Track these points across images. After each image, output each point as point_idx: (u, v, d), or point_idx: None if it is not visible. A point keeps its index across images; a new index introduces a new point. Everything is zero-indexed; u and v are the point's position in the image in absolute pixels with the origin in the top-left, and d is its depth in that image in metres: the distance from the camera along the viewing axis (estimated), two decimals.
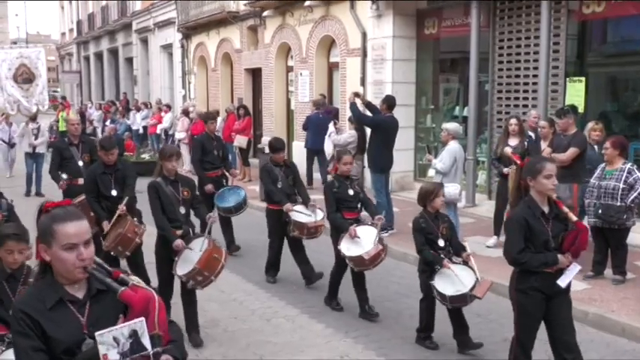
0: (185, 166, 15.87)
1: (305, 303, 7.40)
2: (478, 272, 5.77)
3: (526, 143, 8.97)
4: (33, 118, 15.89)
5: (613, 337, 6.37)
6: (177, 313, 6.15)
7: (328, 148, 14.29)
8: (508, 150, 8.43)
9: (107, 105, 27.12)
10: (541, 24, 10.58)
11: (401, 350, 6.10)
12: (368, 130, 10.87)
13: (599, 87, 11.18)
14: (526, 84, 11.40)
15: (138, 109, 23.82)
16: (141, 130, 22.80)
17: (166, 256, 6.24)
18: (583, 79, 10.44)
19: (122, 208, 7.00)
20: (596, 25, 11.15)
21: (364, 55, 14.61)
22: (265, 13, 18.25)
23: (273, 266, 8.34)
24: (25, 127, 15.58)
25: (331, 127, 13.73)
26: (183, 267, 6.09)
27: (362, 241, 6.67)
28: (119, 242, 6.82)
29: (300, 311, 7.15)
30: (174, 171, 6.40)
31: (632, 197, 7.28)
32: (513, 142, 8.99)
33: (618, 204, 7.30)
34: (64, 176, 8.95)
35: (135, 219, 7.03)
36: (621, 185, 7.30)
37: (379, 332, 6.53)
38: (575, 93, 10.34)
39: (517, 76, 11.59)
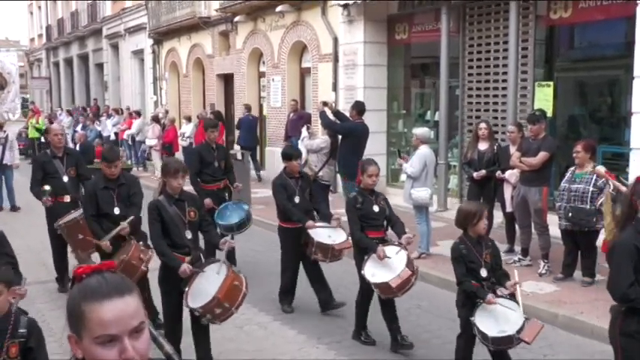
0: (157, 173, 15.78)
1: (278, 309, 7.35)
2: (522, 308, 5.01)
3: (495, 148, 9.06)
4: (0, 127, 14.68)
5: (583, 338, 6.43)
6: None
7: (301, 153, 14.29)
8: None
9: (77, 110, 26.83)
10: (509, 29, 10.68)
11: (373, 356, 6.10)
12: (340, 136, 10.89)
13: (568, 91, 11.32)
14: (495, 88, 11.49)
15: (109, 116, 23.60)
16: (112, 137, 22.59)
17: (173, 286, 5.35)
18: (551, 83, 10.56)
19: (124, 225, 6.24)
20: (563, 31, 11.30)
21: (336, 60, 14.64)
22: (237, 19, 18.21)
23: (289, 293, 7.34)
24: None
25: (304, 132, 13.72)
26: (196, 299, 5.19)
27: (389, 264, 5.90)
28: (122, 270, 5.69)
29: (272, 318, 7.12)
30: (180, 189, 5.50)
31: (601, 200, 7.36)
32: (483, 146, 9.06)
33: (588, 207, 7.38)
34: (47, 188, 7.68)
35: (140, 242, 6.24)
36: (591, 188, 7.38)
37: (351, 340, 6.50)
38: (544, 97, 10.45)
39: (487, 81, 11.68)
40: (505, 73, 11.03)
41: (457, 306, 5.29)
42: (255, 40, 17.87)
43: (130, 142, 20.69)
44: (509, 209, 8.83)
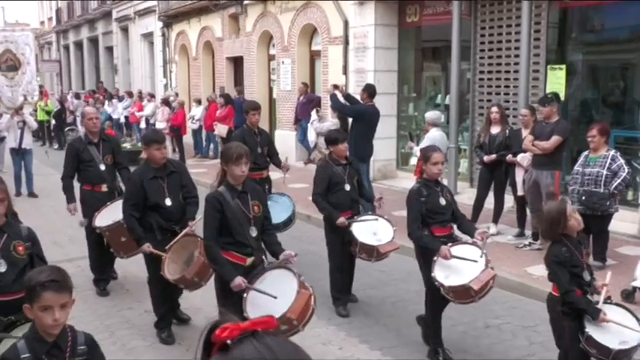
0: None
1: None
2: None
3: (507, 131, 9.01)
4: (17, 110, 14.38)
5: None
6: None
7: (311, 136, 14.31)
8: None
9: (88, 94, 26.86)
10: (522, 12, 10.57)
11: (382, 337, 6.11)
12: (350, 119, 10.87)
13: (580, 75, 11.24)
14: (507, 72, 11.42)
15: (120, 99, 23.61)
16: (122, 120, 22.61)
17: (230, 290, 4.68)
18: (564, 66, 10.48)
19: (192, 227, 5.68)
20: (576, 13, 11.19)
21: (346, 43, 14.56)
22: (247, 1, 18.12)
23: (342, 293, 6.63)
24: (10, 120, 13.97)
25: (314, 115, 13.73)
26: (257, 310, 4.46)
27: (461, 266, 5.16)
28: (197, 273, 5.35)
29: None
30: (244, 178, 4.82)
31: (615, 184, 7.33)
32: (495, 130, 9.03)
33: (602, 191, 7.34)
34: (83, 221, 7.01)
35: (200, 239, 5.40)
36: (605, 172, 7.35)
37: (362, 320, 6.51)
38: (556, 81, 10.37)
39: (498, 64, 11.61)
40: (517, 56, 10.94)
41: (561, 313, 4.47)
42: (265, 22, 17.79)
43: (144, 124, 20.70)
44: (520, 193, 8.79)
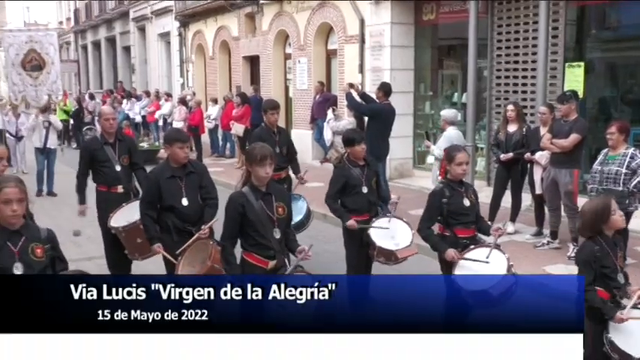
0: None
1: None
2: None
3: (524, 130, 8.95)
4: (43, 110, 14.46)
5: None
6: None
7: (327, 135, 14.31)
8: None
9: (105, 94, 27.02)
10: (540, 9, 10.51)
11: None
12: (366, 118, 10.85)
13: (599, 72, 11.14)
14: (525, 70, 11.36)
15: (137, 98, 23.72)
16: (138, 119, 22.71)
17: None
18: (582, 64, 10.40)
19: (206, 230, 5.54)
20: (595, 10, 11.10)
21: (362, 41, 14.53)
22: (263, 1, 18.15)
23: None
24: (35, 120, 13.99)
25: (330, 113, 13.73)
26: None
27: (486, 269, 4.99)
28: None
29: None
30: (268, 179, 4.76)
31: (634, 182, 7.25)
32: (512, 128, 8.97)
33: (621, 189, 7.27)
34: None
35: (214, 242, 5.36)
36: (624, 170, 7.27)
37: None
38: (574, 78, 10.29)
39: (516, 62, 11.54)
40: (534, 54, 10.87)
41: (586, 317, 4.23)
42: (281, 21, 17.81)
43: (159, 124, 20.81)
44: (538, 191, 8.73)
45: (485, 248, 5.18)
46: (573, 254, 7.88)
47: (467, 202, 5.36)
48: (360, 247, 6.25)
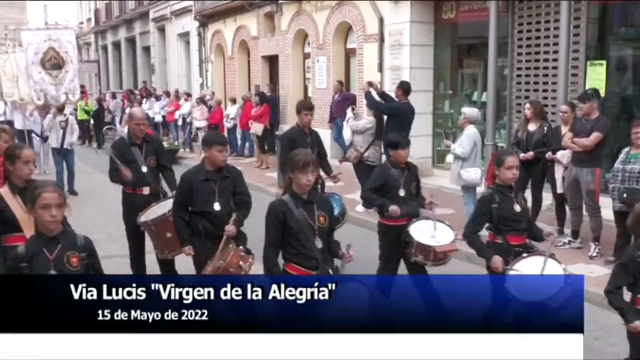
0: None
1: None
2: None
3: (545, 129, 8.88)
4: (60, 109, 14.59)
5: None
6: None
7: (346, 134, 14.29)
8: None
9: (125, 94, 27.22)
10: (561, 7, 10.43)
11: None
12: (385, 117, 10.84)
13: (621, 71, 11.03)
14: (546, 68, 11.28)
15: (157, 98, 23.87)
16: (158, 119, 22.83)
17: None
18: (604, 62, 10.30)
19: (231, 229, 5.36)
20: (617, 8, 10.98)
21: (381, 40, 14.51)
22: (282, 0, 18.18)
23: None
24: (53, 120, 13.98)
25: (349, 112, 13.71)
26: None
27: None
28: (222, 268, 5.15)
29: None
30: (309, 187, 4.63)
31: None
32: (532, 127, 8.91)
33: None
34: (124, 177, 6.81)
35: (240, 247, 5.30)
36: None
37: None
38: (596, 77, 10.19)
39: (537, 61, 11.47)
40: (555, 52, 10.80)
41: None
42: (300, 21, 17.83)
43: (179, 123, 20.92)
44: (559, 190, 8.67)
45: (539, 257, 4.96)
46: (595, 253, 7.84)
47: (517, 208, 5.21)
48: (397, 246, 6.08)
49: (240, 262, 5.10)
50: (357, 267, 6.63)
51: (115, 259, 8.29)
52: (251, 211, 5.85)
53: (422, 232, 5.95)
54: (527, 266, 4.81)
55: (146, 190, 6.95)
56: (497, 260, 4.93)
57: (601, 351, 5.82)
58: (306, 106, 8.13)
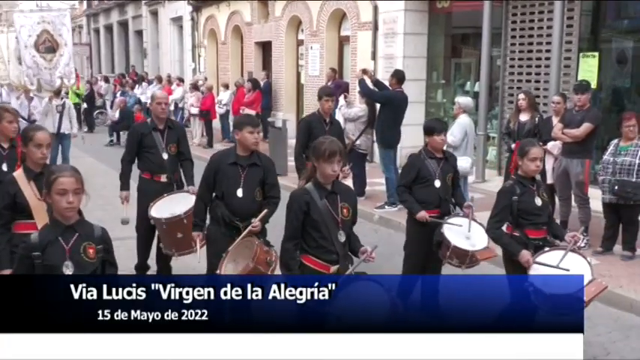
0: (195, 140, 16.04)
1: None
2: None
3: (536, 119, 8.92)
4: (57, 94, 14.17)
5: (621, 312, 6.38)
6: None
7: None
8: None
9: (117, 78, 27.08)
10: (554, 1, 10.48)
11: None
12: (378, 105, 10.85)
13: (613, 63, 11.09)
14: (538, 59, 11.32)
15: (149, 83, 23.76)
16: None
17: None
18: (596, 54, 10.35)
19: (257, 224, 5.09)
20: (610, 1, 11.02)
21: (375, 28, 14.50)
22: None
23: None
24: (49, 104, 13.42)
25: (342, 100, 13.71)
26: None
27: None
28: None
29: None
30: (334, 178, 4.40)
31: None
32: (523, 117, 8.94)
33: (634, 180, 7.29)
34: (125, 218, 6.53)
35: (261, 240, 5.02)
36: (637, 161, 7.30)
37: None
38: (588, 68, 10.25)
39: (529, 51, 11.51)
40: (549, 43, 10.84)
41: None
42: (294, 7, 17.78)
43: (171, 108, 20.82)
44: (549, 181, 8.72)
45: (560, 251, 4.87)
46: (583, 244, 7.90)
47: (539, 202, 5.03)
48: (427, 246, 5.73)
49: (267, 257, 4.80)
50: (363, 267, 6.66)
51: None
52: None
53: (456, 233, 5.60)
54: (550, 259, 4.74)
55: (164, 178, 6.66)
56: (526, 254, 4.81)
57: (587, 341, 5.89)
58: (326, 92, 7.72)
